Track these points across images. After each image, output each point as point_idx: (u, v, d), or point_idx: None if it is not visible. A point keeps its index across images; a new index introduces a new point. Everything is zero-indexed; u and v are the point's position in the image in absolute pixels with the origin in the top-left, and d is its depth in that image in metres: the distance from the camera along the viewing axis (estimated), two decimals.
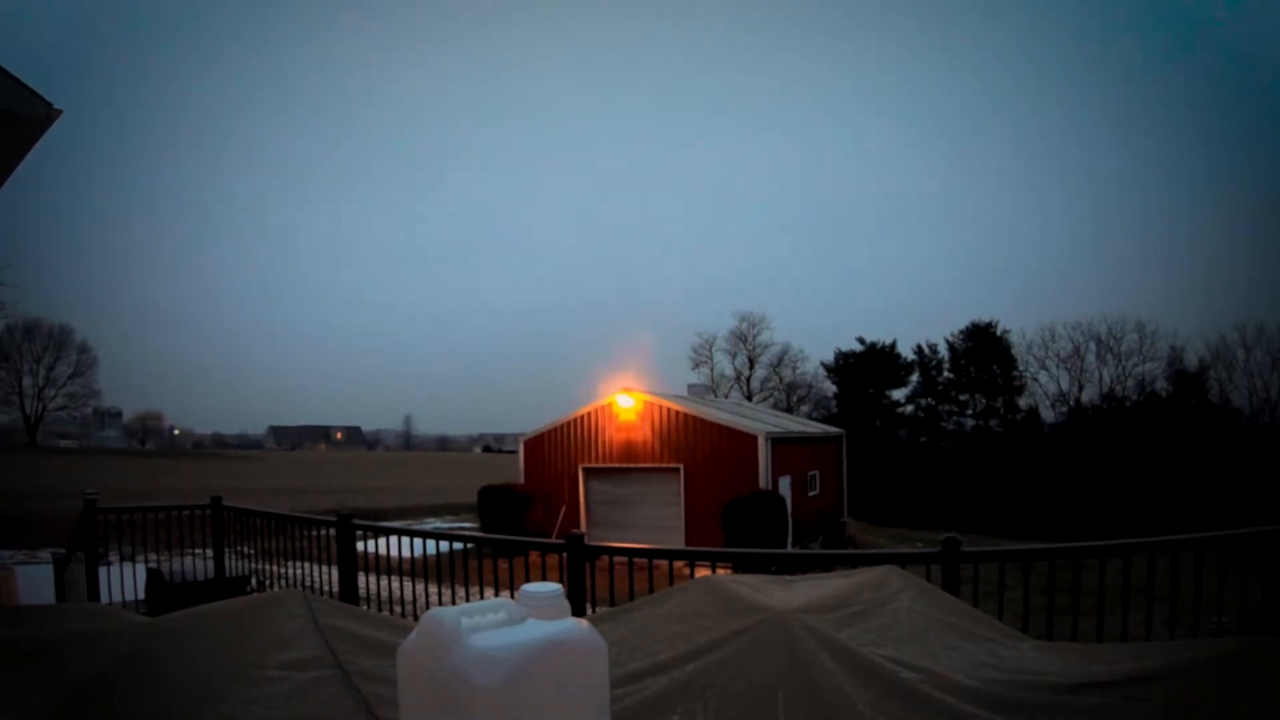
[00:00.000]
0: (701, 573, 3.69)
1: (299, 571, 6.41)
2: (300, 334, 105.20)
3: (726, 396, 42.56)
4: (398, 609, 6.07)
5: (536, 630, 1.32)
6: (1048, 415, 40.50)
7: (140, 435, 71.33)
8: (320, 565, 6.25)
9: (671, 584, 2.96)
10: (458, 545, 5.35)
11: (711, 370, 46.41)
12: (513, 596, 1.41)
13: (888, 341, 42.88)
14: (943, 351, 42.19)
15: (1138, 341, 38.93)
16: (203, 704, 2.20)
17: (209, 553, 7.04)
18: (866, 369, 42.37)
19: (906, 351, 42.75)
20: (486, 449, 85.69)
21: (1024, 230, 63.95)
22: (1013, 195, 66.96)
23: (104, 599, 6.24)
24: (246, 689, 2.26)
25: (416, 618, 2.81)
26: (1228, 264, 51.53)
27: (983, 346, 40.93)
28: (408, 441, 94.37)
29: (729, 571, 3.83)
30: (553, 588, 1.39)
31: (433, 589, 6.03)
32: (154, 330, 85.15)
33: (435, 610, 1.33)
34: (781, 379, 46.63)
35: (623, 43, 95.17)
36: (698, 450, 18.24)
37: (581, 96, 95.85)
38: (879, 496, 30.83)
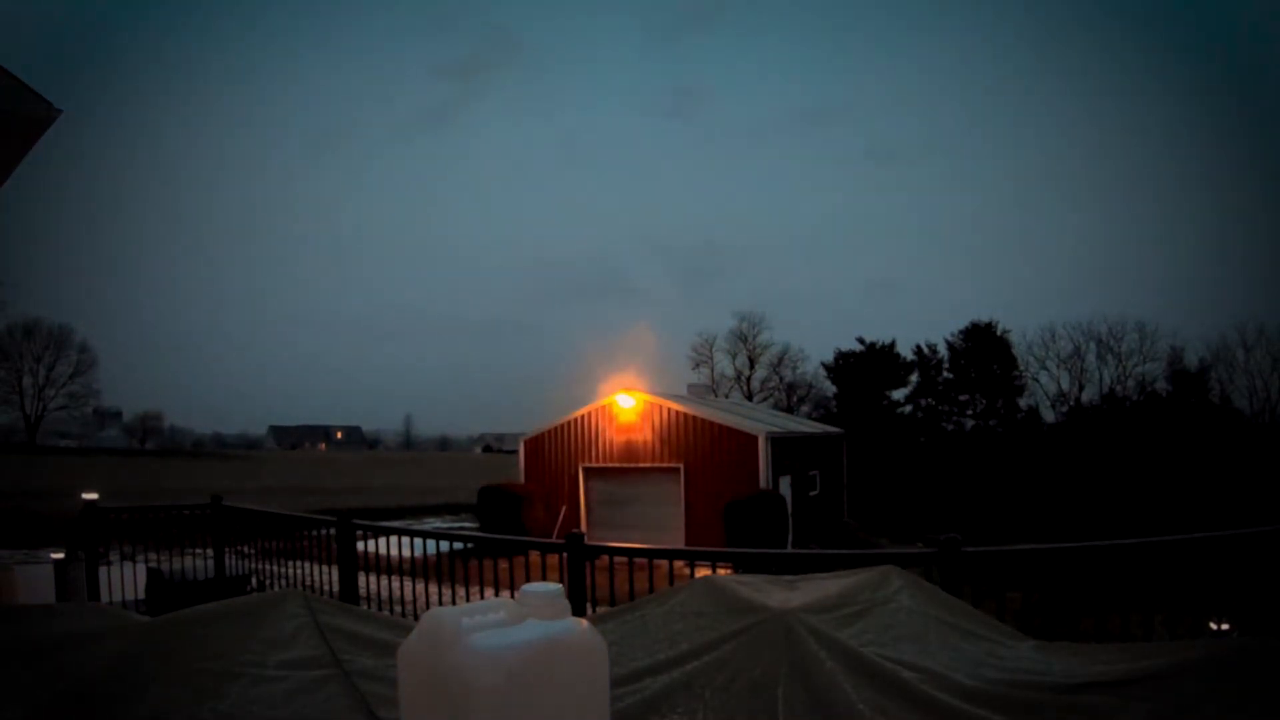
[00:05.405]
0: (702, 573, 3.68)
1: (299, 571, 6.41)
2: (300, 334, 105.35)
3: (727, 396, 42.53)
4: (398, 609, 6.06)
5: (536, 630, 1.32)
6: (1048, 415, 40.48)
7: (140, 435, 71.17)
8: (320, 565, 6.25)
9: (671, 584, 2.96)
10: (458, 545, 5.36)
11: (711, 370, 46.35)
12: (513, 596, 1.41)
13: (888, 341, 42.86)
14: (943, 351, 42.12)
15: (1138, 341, 38.91)
16: (203, 703, 2.21)
17: (209, 553, 7.04)
18: (866, 369, 42.31)
19: (906, 351, 42.70)
20: (486, 449, 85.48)
21: (1024, 230, 63.94)
22: (1012, 195, 66.98)
23: (104, 599, 6.23)
24: (246, 689, 2.26)
25: (416, 618, 2.82)
26: (1228, 264, 51.62)
27: (983, 346, 40.87)
28: (408, 441, 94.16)
29: (729, 571, 3.83)
30: (553, 588, 1.40)
31: (433, 589, 6.03)
32: (154, 330, 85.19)
33: (435, 610, 1.33)
34: (781, 379, 46.60)
35: (622, 43, 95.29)
36: (698, 450, 18.23)
37: (580, 97, 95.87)
38: (879, 496, 30.78)
